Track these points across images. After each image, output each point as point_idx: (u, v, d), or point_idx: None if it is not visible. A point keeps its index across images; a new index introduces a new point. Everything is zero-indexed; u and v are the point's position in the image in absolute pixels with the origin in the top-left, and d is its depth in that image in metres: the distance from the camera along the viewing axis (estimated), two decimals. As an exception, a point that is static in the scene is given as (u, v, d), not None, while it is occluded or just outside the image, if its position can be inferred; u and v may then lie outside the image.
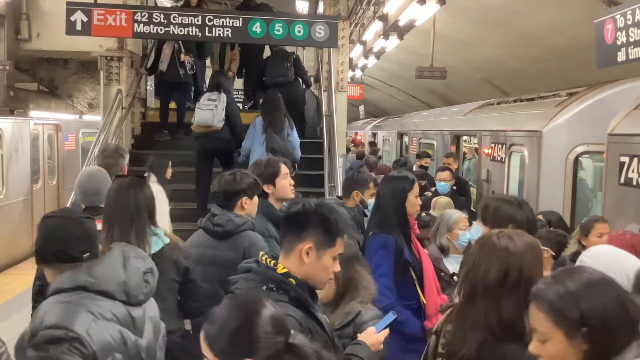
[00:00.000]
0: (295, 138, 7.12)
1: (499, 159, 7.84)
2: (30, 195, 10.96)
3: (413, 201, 3.77)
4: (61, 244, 2.41)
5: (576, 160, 6.51)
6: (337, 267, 2.30)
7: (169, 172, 6.26)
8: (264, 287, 2.21)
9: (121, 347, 2.33)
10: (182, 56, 8.40)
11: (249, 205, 3.64)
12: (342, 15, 9.10)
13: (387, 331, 2.46)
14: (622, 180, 5.05)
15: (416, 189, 3.80)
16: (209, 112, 7.23)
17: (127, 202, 3.18)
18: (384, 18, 11.49)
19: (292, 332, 1.81)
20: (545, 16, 9.94)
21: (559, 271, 1.84)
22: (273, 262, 2.27)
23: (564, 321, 1.69)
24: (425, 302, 3.64)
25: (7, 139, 10.11)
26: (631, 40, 4.92)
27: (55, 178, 12.42)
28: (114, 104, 8.49)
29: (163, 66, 8.47)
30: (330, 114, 8.33)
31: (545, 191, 6.55)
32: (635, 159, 4.88)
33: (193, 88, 9.04)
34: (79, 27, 6.96)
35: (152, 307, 2.57)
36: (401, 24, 10.36)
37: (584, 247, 4.13)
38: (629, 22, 4.93)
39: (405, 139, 15.28)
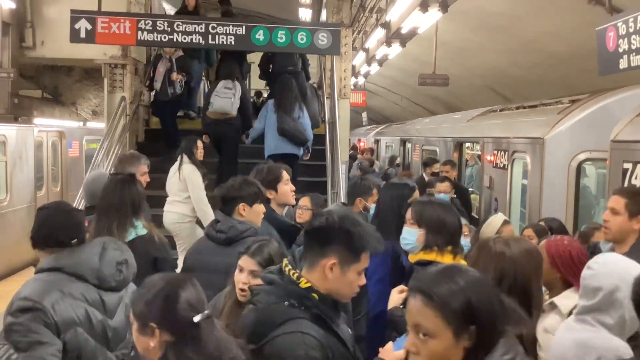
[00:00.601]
0: (306, 120, 7.47)
1: (501, 165, 7.85)
2: (34, 202, 10.97)
3: None
4: (51, 230, 2.85)
5: (579, 167, 6.51)
6: (363, 281, 2.25)
7: (199, 153, 6.63)
8: (286, 303, 2.16)
9: (85, 323, 2.70)
10: (174, 75, 8.37)
11: (248, 213, 3.62)
12: (344, 23, 9.15)
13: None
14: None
15: (416, 196, 3.83)
16: (227, 100, 7.66)
17: (114, 197, 3.69)
18: (386, 25, 11.53)
19: (205, 312, 2.01)
20: (546, 23, 9.97)
21: (443, 268, 1.80)
22: (296, 274, 2.20)
23: (454, 319, 1.64)
24: None
25: (12, 146, 10.14)
26: (633, 47, 4.93)
27: (59, 185, 12.44)
28: (118, 111, 8.53)
29: (157, 85, 8.50)
30: (332, 121, 8.36)
31: (548, 198, 6.55)
32: (639, 166, 4.88)
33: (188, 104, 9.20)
34: (83, 35, 7.01)
35: (130, 294, 2.89)
36: (403, 31, 10.39)
37: None
38: (631, 30, 4.95)
39: (408, 145, 15.29)
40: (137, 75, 9.38)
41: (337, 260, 2.17)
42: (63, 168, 12.54)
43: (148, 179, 5.05)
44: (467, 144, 10.76)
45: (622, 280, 2.29)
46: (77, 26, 6.99)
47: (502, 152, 7.82)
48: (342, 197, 7.12)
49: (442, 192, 7.08)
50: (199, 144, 6.72)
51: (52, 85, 12.97)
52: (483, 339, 1.64)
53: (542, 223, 5.02)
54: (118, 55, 8.97)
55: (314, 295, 2.16)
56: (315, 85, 9.41)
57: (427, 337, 1.66)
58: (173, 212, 6.43)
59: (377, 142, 20.56)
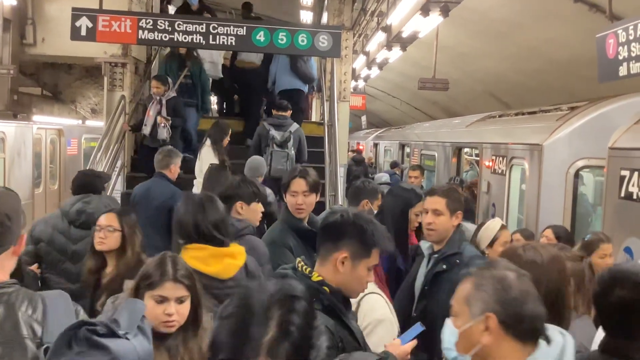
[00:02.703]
0: (313, 63, 8.91)
1: (499, 171, 7.85)
2: (31, 199, 10.96)
3: (412, 218, 3.84)
4: (73, 183, 4.56)
5: (577, 174, 6.52)
6: (372, 278, 2.34)
7: (225, 141, 7.15)
8: None
9: (49, 242, 4.22)
10: (159, 118, 7.65)
11: (246, 211, 3.72)
12: (345, 26, 9.16)
13: (414, 342, 2.44)
14: (622, 194, 5.06)
15: (418, 207, 3.84)
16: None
17: (209, 179, 5.19)
18: (387, 29, 11.54)
19: None
20: (547, 30, 9.99)
21: None
22: (308, 269, 2.31)
23: None
24: None
25: (10, 143, 10.13)
26: (633, 55, 4.95)
27: (57, 182, 12.42)
28: (117, 109, 8.51)
29: (146, 129, 7.80)
30: (332, 124, 8.36)
31: (546, 205, 6.55)
32: (636, 173, 4.89)
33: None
34: (83, 32, 7.00)
35: None
36: (404, 35, 10.41)
37: None
38: (631, 37, 4.96)
39: (407, 149, 15.30)
40: (137, 74, 9.37)
41: (348, 254, 2.27)
42: (61, 166, 12.52)
43: (179, 170, 6.12)
44: (466, 149, 10.77)
45: None
46: (78, 24, 6.97)
47: (501, 158, 7.83)
48: (340, 200, 7.12)
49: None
50: (229, 132, 7.20)
51: (52, 82, 12.97)
52: None
53: (549, 230, 4.99)
54: (118, 53, 8.96)
55: (325, 288, 2.26)
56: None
57: None
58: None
59: (375, 145, 20.57)
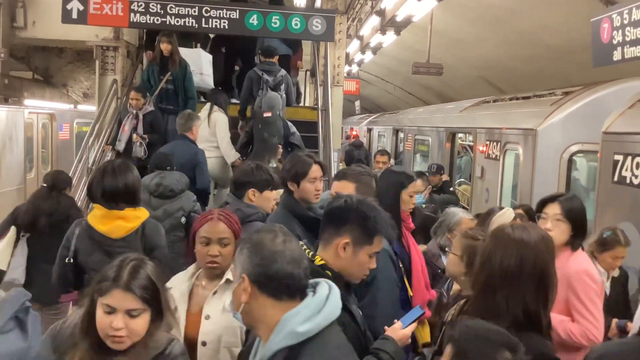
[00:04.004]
0: None
1: (493, 156, 7.85)
2: (23, 184, 10.90)
3: (406, 199, 3.79)
4: (153, 162, 5.50)
5: (570, 159, 6.53)
6: (373, 264, 2.34)
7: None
8: None
9: None
10: (135, 136, 7.06)
11: (258, 198, 3.67)
12: (339, 10, 9.11)
13: (414, 325, 2.45)
14: (615, 179, 5.07)
15: (415, 185, 3.81)
16: None
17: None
18: (381, 13, 11.49)
19: None
20: (542, 15, 9.96)
21: None
22: (311, 253, 2.31)
23: None
24: (412, 294, 3.66)
25: (1, 128, 10.05)
26: (627, 39, 4.93)
27: (49, 167, 12.35)
28: (109, 94, 8.45)
29: (120, 145, 7.18)
30: (325, 108, 8.33)
31: (539, 189, 6.56)
32: (629, 157, 4.90)
33: None
34: (75, 15, 6.93)
35: (174, 206, 5.06)
36: (398, 19, 10.37)
37: (595, 258, 4.01)
38: (625, 22, 4.95)
39: (401, 135, 15.28)
40: (129, 57, 9.29)
41: (350, 240, 2.27)
42: (53, 150, 12.45)
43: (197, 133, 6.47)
44: (460, 135, 10.76)
45: None
46: (69, 7, 6.90)
47: (495, 143, 7.83)
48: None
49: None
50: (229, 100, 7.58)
51: (43, 66, 12.83)
52: None
53: (520, 210, 5.05)
54: (110, 37, 8.88)
55: (327, 272, 2.25)
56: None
57: None
58: (213, 158, 6.83)
59: (369, 131, 20.52)
